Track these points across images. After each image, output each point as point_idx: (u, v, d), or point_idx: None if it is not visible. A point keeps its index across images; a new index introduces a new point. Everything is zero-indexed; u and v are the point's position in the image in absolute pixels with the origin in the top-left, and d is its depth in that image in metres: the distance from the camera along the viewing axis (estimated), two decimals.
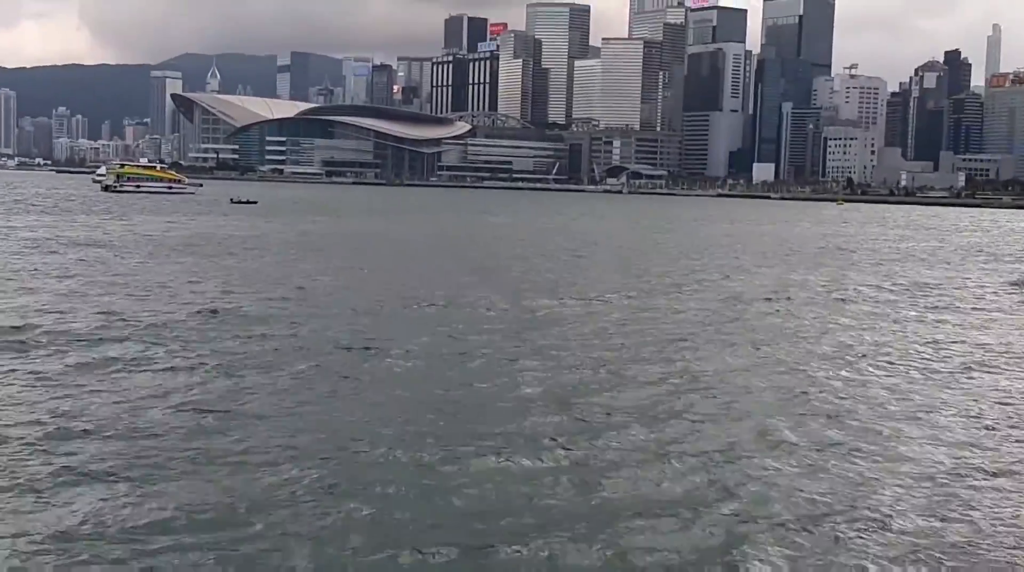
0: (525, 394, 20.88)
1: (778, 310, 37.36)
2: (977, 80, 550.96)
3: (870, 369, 25.44)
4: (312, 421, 18.15)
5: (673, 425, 18.78)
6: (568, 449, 16.81)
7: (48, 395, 19.25)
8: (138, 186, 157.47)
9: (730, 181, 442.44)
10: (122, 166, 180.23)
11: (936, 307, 40.63)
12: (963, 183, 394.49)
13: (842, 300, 41.93)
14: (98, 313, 29.54)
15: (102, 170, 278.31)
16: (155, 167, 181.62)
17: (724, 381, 23.03)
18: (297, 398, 19.83)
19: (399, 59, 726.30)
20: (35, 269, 42.24)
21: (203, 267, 45.74)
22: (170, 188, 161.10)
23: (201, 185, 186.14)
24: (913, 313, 38.40)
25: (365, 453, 16.29)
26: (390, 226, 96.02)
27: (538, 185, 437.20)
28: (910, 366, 26.11)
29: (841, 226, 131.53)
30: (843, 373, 24.68)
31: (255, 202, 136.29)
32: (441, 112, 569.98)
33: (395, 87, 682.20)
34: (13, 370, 21.19)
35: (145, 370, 21.88)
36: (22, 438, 16.32)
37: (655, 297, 39.94)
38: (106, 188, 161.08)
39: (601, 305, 36.75)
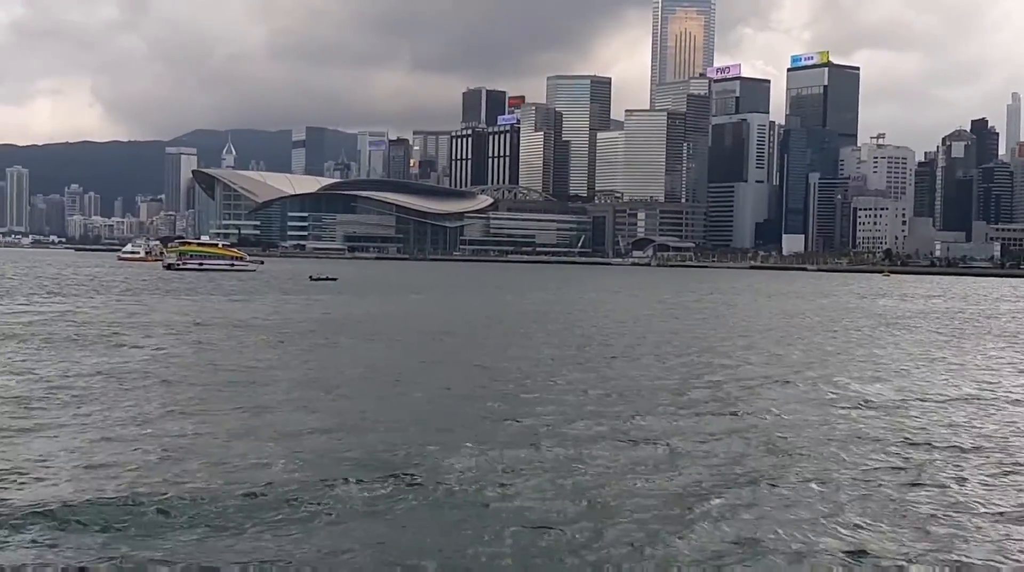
0: None
1: None
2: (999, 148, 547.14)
3: None
4: None
5: None
6: None
7: None
8: (201, 264, 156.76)
9: (761, 253, 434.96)
10: (184, 243, 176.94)
11: None
12: (999, 253, 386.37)
13: None
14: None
15: (128, 247, 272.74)
16: (217, 245, 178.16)
17: None
18: None
19: (414, 133, 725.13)
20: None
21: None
22: (232, 265, 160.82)
23: (263, 262, 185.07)
24: None
25: None
26: (504, 301, 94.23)
27: (563, 258, 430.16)
28: None
29: (956, 301, 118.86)
30: None
31: (335, 279, 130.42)
32: (461, 186, 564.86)
33: (412, 161, 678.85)
34: None
35: None
36: None
37: None
38: (169, 266, 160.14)
39: None
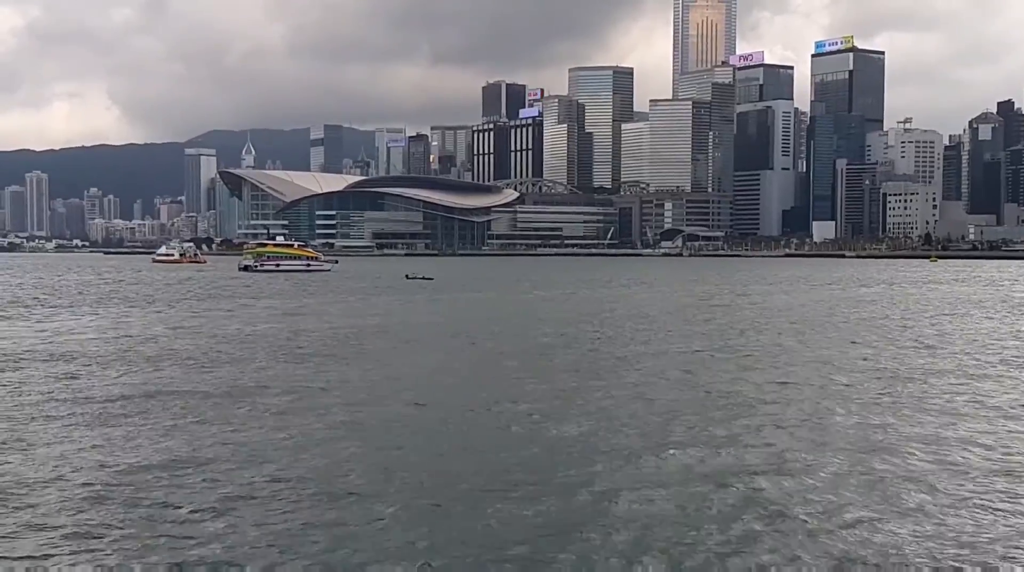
0: None
1: None
2: None
3: None
4: None
5: None
6: None
7: None
8: (278, 265, 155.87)
9: (794, 240, 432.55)
10: (260, 245, 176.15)
11: None
12: None
13: None
14: None
15: (162, 249, 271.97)
16: (292, 245, 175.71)
17: None
18: None
19: (432, 128, 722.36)
20: None
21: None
22: (308, 265, 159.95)
23: (337, 262, 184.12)
24: None
25: None
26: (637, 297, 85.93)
27: (592, 250, 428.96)
28: None
29: None
30: None
31: (431, 278, 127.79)
32: (483, 180, 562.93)
33: (432, 156, 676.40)
34: None
35: None
36: None
37: None
38: (245, 268, 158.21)
39: None
